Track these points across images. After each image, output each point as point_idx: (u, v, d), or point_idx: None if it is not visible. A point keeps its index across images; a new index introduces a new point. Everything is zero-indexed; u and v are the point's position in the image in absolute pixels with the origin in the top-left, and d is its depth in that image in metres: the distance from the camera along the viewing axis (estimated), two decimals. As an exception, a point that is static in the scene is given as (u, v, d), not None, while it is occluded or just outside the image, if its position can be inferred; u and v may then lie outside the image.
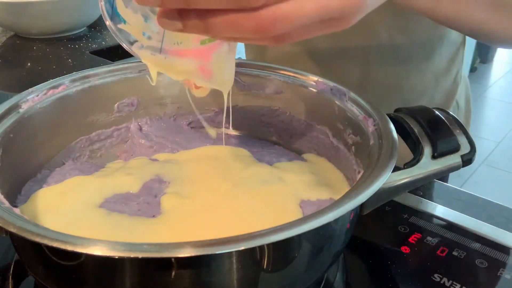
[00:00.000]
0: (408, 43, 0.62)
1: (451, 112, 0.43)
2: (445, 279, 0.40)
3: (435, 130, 0.41)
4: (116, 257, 0.28)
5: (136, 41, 0.36)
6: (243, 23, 0.27)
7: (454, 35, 0.64)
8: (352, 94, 0.45)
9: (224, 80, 0.38)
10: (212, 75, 0.37)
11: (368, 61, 0.63)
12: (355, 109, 0.44)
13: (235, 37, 0.28)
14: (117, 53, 0.98)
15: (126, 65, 0.52)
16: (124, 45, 0.36)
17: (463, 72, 0.72)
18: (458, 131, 0.41)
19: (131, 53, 0.36)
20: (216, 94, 0.53)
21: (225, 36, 0.29)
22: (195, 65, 0.36)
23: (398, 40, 0.61)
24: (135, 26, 0.35)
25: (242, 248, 0.28)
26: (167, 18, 0.29)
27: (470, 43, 2.36)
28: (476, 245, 0.44)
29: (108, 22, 0.35)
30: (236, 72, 0.52)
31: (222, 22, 0.27)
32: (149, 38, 0.35)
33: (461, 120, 0.71)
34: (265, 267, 0.32)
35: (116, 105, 0.51)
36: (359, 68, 0.63)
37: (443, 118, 0.42)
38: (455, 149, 0.40)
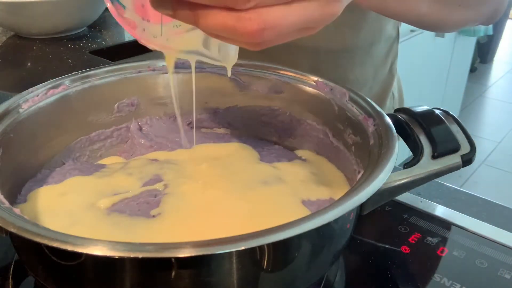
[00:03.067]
0: (354, 37, 0.66)
1: (451, 112, 0.43)
2: (445, 279, 0.40)
3: (435, 130, 0.41)
4: (116, 257, 0.28)
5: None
6: (232, 22, 0.27)
7: (390, 29, 0.71)
8: (352, 94, 0.45)
9: (228, 54, 0.37)
10: (216, 50, 0.36)
11: (318, 54, 0.67)
12: (355, 109, 0.44)
13: (222, 36, 0.29)
14: (117, 53, 0.98)
15: (126, 65, 0.52)
16: (127, 29, 0.36)
17: (396, 66, 0.78)
18: (458, 131, 0.41)
19: (134, 37, 0.36)
20: (216, 94, 0.54)
21: (213, 34, 0.29)
22: (198, 42, 0.35)
23: (346, 34, 0.66)
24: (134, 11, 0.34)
25: (242, 248, 0.28)
26: (160, 1, 0.29)
27: (470, 44, 2.36)
28: (476, 245, 0.44)
29: (109, 5, 0.35)
30: (236, 72, 0.52)
31: (211, 20, 0.28)
32: (148, 21, 0.34)
33: (396, 108, 0.77)
34: (265, 267, 0.32)
35: (116, 105, 0.51)
36: (308, 60, 0.67)
37: (443, 118, 0.42)
38: (455, 149, 0.40)
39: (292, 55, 0.67)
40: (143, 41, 0.35)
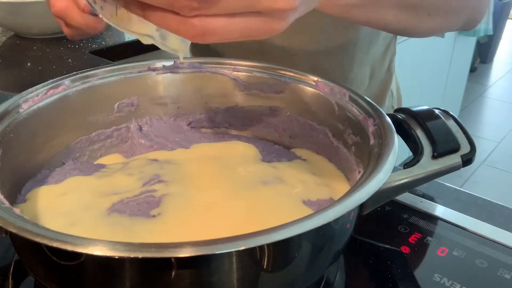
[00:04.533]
0: (352, 37, 0.66)
1: (451, 112, 0.43)
2: (445, 279, 0.40)
3: (435, 130, 0.41)
4: (116, 257, 0.28)
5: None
6: (175, 25, 0.30)
7: None
8: (352, 94, 0.45)
9: (180, 43, 0.38)
10: (168, 38, 0.37)
11: (317, 55, 0.67)
12: (355, 109, 0.44)
13: (169, 31, 0.31)
14: (117, 53, 0.98)
15: (126, 65, 0.52)
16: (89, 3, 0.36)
17: (394, 64, 0.78)
18: (458, 131, 0.41)
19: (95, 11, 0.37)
20: (216, 94, 0.54)
21: (161, 27, 0.31)
22: (151, 27, 0.36)
23: (344, 34, 0.66)
24: None
25: (242, 248, 0.28)
26: None
27: (470, 44, 2.36)
28: (476, 245, 0.44)
29: None
30: (236, 72, 0.52)
31: (158, 19, 0.30)
32: (105, 1, 0.35)
33: (395, 107, 0.76)
34: (265, 267, 0.32)
35: (116, 105, 0.51)
36: (308, 61, 0.67)
37: (443, 118, 0.42)
38: (455, 149, 0.40)
39: (291, 56, 0.67)
40: (102, 18, 0.36)
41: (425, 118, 0.42)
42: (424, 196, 0.51)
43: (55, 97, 0.46)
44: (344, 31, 0.65)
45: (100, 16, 0.36)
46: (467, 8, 0.54)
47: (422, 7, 0.49)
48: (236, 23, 0.30)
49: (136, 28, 0.36)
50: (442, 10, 0.51)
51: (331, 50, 0.67)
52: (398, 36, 0.76)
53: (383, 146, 0.38)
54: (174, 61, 0.52)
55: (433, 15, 0.50)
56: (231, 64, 0.52)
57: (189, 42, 0.38)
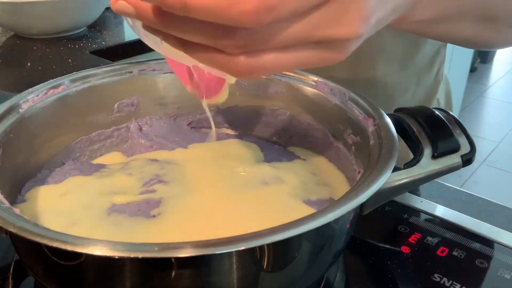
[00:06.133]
0: (395, 41, 0.63)
1: (451, 112, 0.43)
2: (445, 279, 0.40)
3: (435, 130, 0.41)
4: (116, 257, 0.28)
5: None
6: (220, 63, 0.27)
7: None
8: (352, 94, 0.45)
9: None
10: None
11: (358, 58, 0.63)
12: (355, 109, 0.44)
13: (212, 67, 0.28)
14: (117, 53, 0.98)
15: (126, 65, 0.52)
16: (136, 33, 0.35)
17: (445, 70, 0.75)
18: (458, 131, 0.41)
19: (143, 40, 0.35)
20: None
21: (204, 63, 0.28)
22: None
23: (387, 38, 0.63)
24: None
25: (242, 248, 0.28)
26: (150, 28, 0.28)
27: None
28: (476, 245, 0.44)
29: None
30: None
31: (200, 54, 0.27)
32: None
33: None
34: (265, 267, 0.32)
35: (116, 105, 0.51)
36: (348, 64, 0.64)
37: (443, 118, 0.42)
38: (455, 149, 0.40)
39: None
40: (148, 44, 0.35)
41: (425, 118, 0.42)
42: (424, 196, 0.51)
43: (55, 97, 0.46)
44: (385, 33, 0.62)
45: (146, 42, 0.34)
46: None
47: (502, 19, 0.44)
48: (289, 58, 0.27)
49: (185, 59, 0.35)
50: None
51: (370, 52, 0.63)
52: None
53: (383, 146, 0.38)
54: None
55: None
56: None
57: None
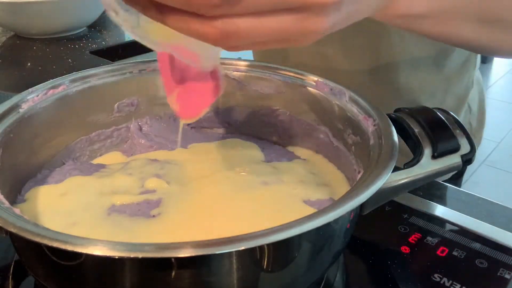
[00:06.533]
0: (421, 47, 0.61)
1: (451, 112, 0.43)
2: (445, 279, 0.40)
3: (435, 130, 0.41)
4: (116, 257, 0.28)
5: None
6: (197, 27, 0.26)
7: None
8: (352, 94, 0.45)
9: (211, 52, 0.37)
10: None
11: (377, 61, 0.62)
12: (355, 109, 0.44)
13: (190, 35, 0.28)
14: (117, 53, 0.98)
15: (126, 65, 0.52)
16: (108, 13, 0.34)
17: (477, 75, 0.71)
18: (458, 131, 0.41)
19: (114, 20, 0.34)
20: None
21: (181, 32, 0.28)
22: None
23: (410, 41, 0.60)
24: None
25: (242, 248, 0.28)
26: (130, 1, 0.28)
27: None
28: (476, 245, 0.44)
29: None
30: (236, 72, 0.52)
31: (177, 22, 0.27)
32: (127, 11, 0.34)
33: (474, 123, 0.71)
34: (265, 267, 0.32)
35: (116, 105, 0.51)
36: (368, 67, 0.63)
37: (443, 118, 0.42)
38: (455, 149, 0.40)
39: (351, 62, 0.62)
40: (125, 32, 0.35)
41: (425, 118, 0.42)
42: (424, 196, 0.51)
43: (55, 97, 0.46)
44: (407, 35, 0.59)
45: (123, 29, 0.34)
46: None
47: (507, 21, 0.41)
48: (264, 23, 0.26)
49: (160, 45, 0.34)
50: None
51: (393, 55, 0.61)
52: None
53: (383, 146, 0.38)
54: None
55: None
56: (231, 64, 0.52)
57: (218, 56, 0.36)
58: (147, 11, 0.28)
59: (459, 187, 0.62)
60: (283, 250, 0.32)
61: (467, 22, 0.40)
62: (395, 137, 0.38)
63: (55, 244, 0.28)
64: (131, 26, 0.33)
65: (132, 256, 0.27)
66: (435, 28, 0.39)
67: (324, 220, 0.29)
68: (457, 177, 0.71)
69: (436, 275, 0.41)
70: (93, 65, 0.52)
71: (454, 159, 0.39)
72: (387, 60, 0.62)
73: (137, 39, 0.34)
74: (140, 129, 0.53)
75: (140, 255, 0.27)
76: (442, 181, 0.54)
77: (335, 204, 0.31)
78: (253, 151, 0.51)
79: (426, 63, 0.62)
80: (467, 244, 0.44)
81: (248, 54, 0.75)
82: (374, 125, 0.41)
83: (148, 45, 0.34)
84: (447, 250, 0.43)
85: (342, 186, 0.45)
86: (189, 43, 0.33)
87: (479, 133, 0.74)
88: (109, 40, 1.03)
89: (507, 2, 0.40)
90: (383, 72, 0.63)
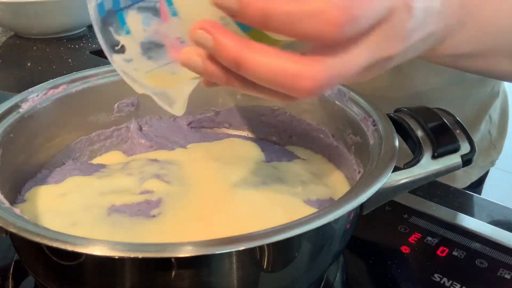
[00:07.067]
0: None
1: (451, 112, 0.43)
2: (445, 279, 0.40)
3: (435, 130, 0.41)
4: (116, 257, 0.28)
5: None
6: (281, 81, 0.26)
7: None
8: (352, 94, 0.45)
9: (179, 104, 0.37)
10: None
11: (399, 68, 0.61)
12: (355, 109, 0.44)
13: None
14: (117, 53, 0.98)
15: (126, 65, 0.52)
16: (104, 48, 0.32)
17: (503, 86, 0.70)
18: (458, 131, 0.41)
19: (109, 58, 0.32)
20: (216, 95, 0.54)
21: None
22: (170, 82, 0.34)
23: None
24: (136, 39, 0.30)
25: (242, 248, 0.28)
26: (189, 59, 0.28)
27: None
28: (476, 245, 0.44)
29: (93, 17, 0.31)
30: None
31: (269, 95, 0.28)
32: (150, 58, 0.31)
33: (494, 133, 0.69)
34: (265, 267, 0.32)
35: (116, 105, 0.51)
36: (389, 74, 0.62)
37: (443, 118, 0.42)
38: (455, 149, 0.40)
39: None
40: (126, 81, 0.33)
41: (425, 118, 0.42)
42: (424, 196, 0.51)
43: (55, 97, 0.46)
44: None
45: (125, 78, 0.32)
46: None
47: None
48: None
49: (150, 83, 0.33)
50: None
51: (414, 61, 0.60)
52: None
53: (383, 146, 0.38)
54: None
55: None
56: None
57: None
58: (232, 80, 0.28)
59: (480, 194, 0.61)
60: (283, 250, 0.32)
61: (506, 57, 0.41)
62: (395, 137, 0.39)
63: (55, 244, 0.28)
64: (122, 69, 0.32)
65: (132, 256, 0.27)
66: (476, 63, 0.40)
67: (324, 220, 0.29)
68: (476, 185, 0.70)
69: (436, 275, 0.41)
70: (93, 65, 0.52)
71: (454, 159, 0.39)
72: (408, 67, 0.60)
73: (122, 74, 0.33)
74: (140, 129, 0.53)
75: (140, 255, 0.27)
76: (463, 189, 0.53)
77: (335, 204, 0.31)
78: (253, 151, 0.51)
79: (447, 70, 0.61)
80: (467, 244, 0.44)
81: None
82: (374, 125, 0.41)
83: (131, 84, 0.34)
84: (447, 250, 0.43)
85: (342, 186, 0.45)
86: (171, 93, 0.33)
87: (499, 142, 0.72)
88: (109, 40, 1.02)
89: None
90: (403, 80, 0.62)
